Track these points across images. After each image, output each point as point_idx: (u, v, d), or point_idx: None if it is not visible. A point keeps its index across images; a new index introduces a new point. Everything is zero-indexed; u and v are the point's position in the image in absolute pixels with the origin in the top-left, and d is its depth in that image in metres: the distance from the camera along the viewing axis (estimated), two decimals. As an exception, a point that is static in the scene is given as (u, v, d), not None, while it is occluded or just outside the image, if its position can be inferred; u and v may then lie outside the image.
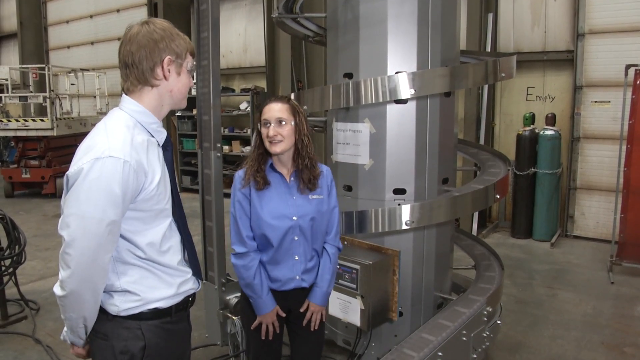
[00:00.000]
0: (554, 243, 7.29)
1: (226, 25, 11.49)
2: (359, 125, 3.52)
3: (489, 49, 7.84)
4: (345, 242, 3.51)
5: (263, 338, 2.59)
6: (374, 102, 3.32)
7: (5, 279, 4.78)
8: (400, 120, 3.44)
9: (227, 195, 3.62)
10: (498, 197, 3.59)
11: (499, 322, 3.57)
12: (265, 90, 10.10)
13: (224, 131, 10.99)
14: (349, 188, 3.68)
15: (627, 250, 5.94)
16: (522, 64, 6.72)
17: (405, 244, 3.52)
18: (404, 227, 3.28)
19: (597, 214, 7.52)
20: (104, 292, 1.80)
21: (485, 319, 3.29)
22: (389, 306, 3.37)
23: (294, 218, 2.48)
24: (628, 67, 5.86)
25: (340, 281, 3.30)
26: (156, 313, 1.87)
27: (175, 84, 1.88)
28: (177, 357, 1.99)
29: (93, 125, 12.08)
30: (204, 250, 3.71)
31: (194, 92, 3.70)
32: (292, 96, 3.85)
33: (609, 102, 7.21)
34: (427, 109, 3.46)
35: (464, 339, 3.07)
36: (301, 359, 2.72)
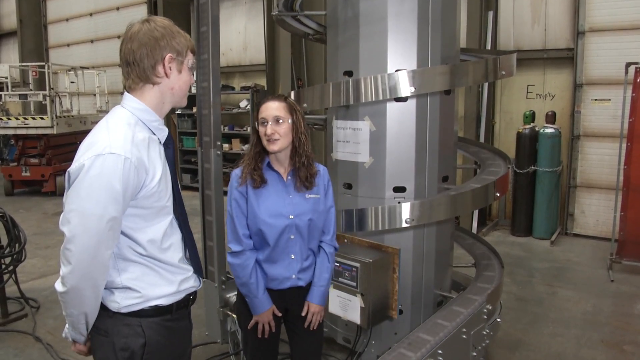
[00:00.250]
0: (554, 241, 7.29)
1: (226, 23, 11.48)
2: (359, 123, 3.52)
3: (489, 47, 7.84)
4: (345, 240, 3.51)
5: (259, 337, 2.59)
6: (374, 100, 3.31)
7: (6, 277, 4.79)
8: (401, 118, 3.44)
9: (226, 194, 3.63)
10: (498, 195, 3.58)
11: (498, 320, 3.57)
12: (265, 88, 10.10)
13: (224, 129, 10.99)
14: (349, 186, 3.67)
15: (627, 248, 5.94)
16: (522, 61, 6.71)
17: (405, 242, 3.52)
18: (404, 225, 3.28)
19: (597, 212, 7.52)
20: (104, 288, 1.81)
21: (485, 316, 3.29)
22: (389, 304, 3.37)
23: (291, 217, 2.48)
24: (628, 65, 5.86)
25: (341, 279, 3.30)
26: (157, 310, 1.88)
27: (176, 81, 1.88)
28: (177, 355, 1.99)
29: (93, 123, 12.09)
30: (204, 245, 3.72)
31: (194, 90, 3.69)
32: (292, 94, 3.86)
33: (609, 100, 7.21)
34: (427, 107, 3.46)
35: (464, 336, 3.07)
36: (302, 358, 2.72)
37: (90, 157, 1.68)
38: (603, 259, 6.43)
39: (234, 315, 3.56)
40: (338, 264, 3.26)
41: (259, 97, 10.32)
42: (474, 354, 3.19)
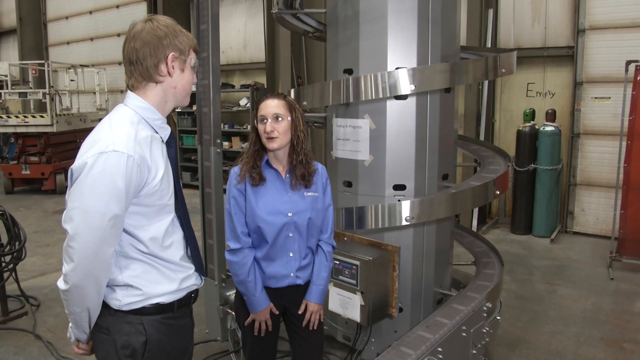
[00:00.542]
0: (554, 239, 7.30)
1: (226, 21, 11.47)
2: (359, 121, 3.52)
3: (489, 45, 7.83)
4: (345, 238, 3.52)
5: (256, 334, 2.60)
6: (374, 98, 3.31)
7: (6, 275, 4.78)
8: (401, 116, 3.44)
9: (226, 192, 3.63)
10: (498, 193, 3.58)
11: (498, 317, 3.57)
12: (265, 87, 10.09)
13: (223, 127, 10.99)
14: (348, 184, 3.68)
15: (627, 246, 5.94)
16: (522, 59, 6.71)
17: (405, 239, 3.52)
18: (404, 223, 3.28)
19: (597, 210, 7.52)
20: (106, 286, 1.81)
21: (485, 314, 3.30)
22: (388, 302, 3.37)
23: (289, 214, 2.49)
24: (628, 63, 5.85)
25: (340, 277, 3.30)
26: (158, 308, 1.88)
27: (179, 80, 1.90)
28: (179, 353, 1.99)
29: (93, 121, 12.07)
30: (204, 243, 3.72)
31: (194, 88, 3.69)
32: (292, 92, 3.85)
33: (609, 98, 7.20)
34: (427, 105, 3.46)
35: (464, 334, 3.08)
36: (303, 358, 2.72)
37: (93, 155, 1.69)
38: (603, 257, 6.44)
39: (234, 313, 3.57)
40: (338, 262, 3.26)
41: (258, 95, 10.31)
42: (474, 351, 3.19)
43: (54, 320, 4.76)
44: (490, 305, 3.35)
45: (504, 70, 3.54)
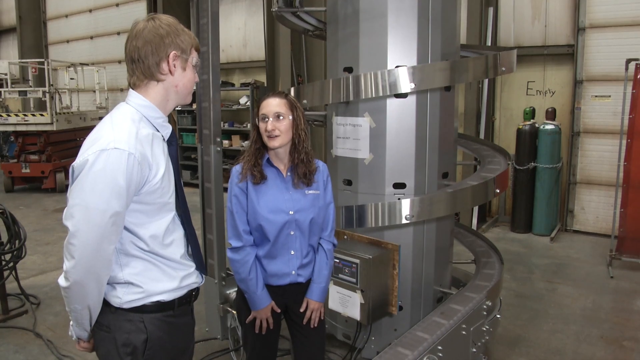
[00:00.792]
0: (554, 237, 7.30)
1: (226, 20, 11.46)
2: (359, 120, 3.52)
3: (489, 43, 7.83)
4: (345, 237, 3.52)
5: (257, 332, 2.61)
6: (374, 96, 3.31)
7: (6, 273, 4.79)
8: (400, 115, 3.44)
9: (226, 190, 3.63)
10: (498, 191, 3.58)
11: (498, 316, 3.57)
12: (265, 85, 10.08)
13: (223, 125, 10.98)
14: (348, 182, 3.67)
15: (627, 244, 5.95)
16: (522, 58, 6.71)
17: (405, 238, 3.52)
18: (404, 221, 3.28)
19: (596, 209, 7.53)
20: (107, 284, 1.82)
21: (485, 313, 3.30)
22: (388, 300, 3.37)
23: (290, 212, 2.50)
24: (628, 61, 5.85)
25: (340, 275, 3.30)
26: (159, 306, 1.88)
27: (180, 79, 1.90)
28: (180, 351, 2.00)
29: (93, 119, 12.07)
30: (204, 238, 3.72)
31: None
32: (292, 90, 3.85)
33: (609, 96, 7.20)
34: (427, 103, 3.45)
35: (464, 333, 3.08)
36: (305, 356, 2.72)
37: (95, 152, 1.70)
38: (603, 256, 6.44)
39: (234, 312, 3.57)
40: (338, 260, 3.26)
41: (258, 93, 10.31)
42: (474, 350, 3.19)
43: (54, 319, 4.77)
44: (490, 304, 3.35)
45: (504, 69, 3.54)
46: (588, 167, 7.54)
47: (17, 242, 4.68)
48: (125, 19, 13.46)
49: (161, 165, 1.84)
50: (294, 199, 2.52)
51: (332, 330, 3.91)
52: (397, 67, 3.32)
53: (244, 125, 11.22)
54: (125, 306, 1.84)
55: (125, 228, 1.80)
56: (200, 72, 3.56)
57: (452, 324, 3.00)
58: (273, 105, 2.47)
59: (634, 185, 5.85)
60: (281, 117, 2.46)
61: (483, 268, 3.82)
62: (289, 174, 2.56)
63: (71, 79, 12.41)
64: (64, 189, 10.73)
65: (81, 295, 1.76)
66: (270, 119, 2.45)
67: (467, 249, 4.39)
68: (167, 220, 1.89)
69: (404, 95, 3.40)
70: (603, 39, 7.19)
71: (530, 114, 7.52)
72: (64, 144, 11.45)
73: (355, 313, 3.29)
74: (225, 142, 10.82)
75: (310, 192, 2.55)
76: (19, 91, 11.77)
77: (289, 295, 2.62)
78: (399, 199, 3.37)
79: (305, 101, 3.60)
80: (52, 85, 10.84)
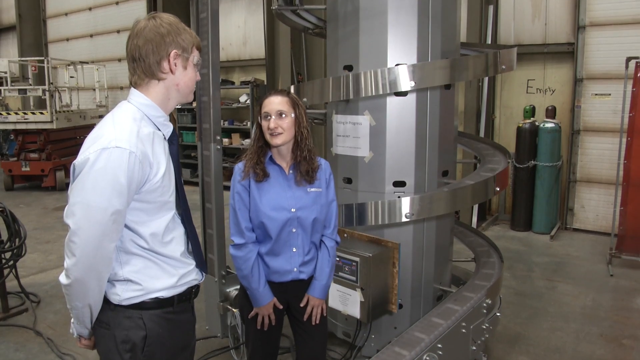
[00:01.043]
0: (554, 236, 7.30)
1: (226, 18, 11.46)
2: (359, 118, 3.52)
3: (489, 41, 7.82)
4: (345, 235, 3.52)
5: (259, 328, 2.62)
6: (374, 94, 3.31)
7: (6, 271, 4.79)
8: (400, 113, 3.44)
9: (226, 188, 3.63)
10: (498, 189, 3.59)
11: (498, 314, 3.58)
12: (265, 83, 10.08)
13: (223, 124, 10.97)
14: (348, 180, 3.68)
15: (627, 242, 5.95)
16: (522, 56, 6.70)
17: (405, 236, 3.52)
18: (404, 219, 3.28)
19: (596, 207, 7.53)
20: (107, 281, 1.82)
21: (484, 311, 3.30)
22: (388, 298, 3.38)
23: (292, 210, 2.51)
24: (629, 59, 5.85)
25: (340, 273, 3.30)
26: (158, 303, 1.89)
27: (181, 77, 1.91)
28: (180, 348, 2.00)
29: (92, 118, 12.06)
30: (204, 233, 3.73)
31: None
32: (292, 89, 3.85)
33: (610, 94, 7.20)
34: (427, 102, 3.45)
35: (464, 331, 3.08)
36: (307, 354, 2.73)
37: (96, 151, 1.70)
38: (602, 254, 6.45)
39: (234, 310, 3.57)
40: (338, 259, 3.26)
41: (258, 91, 10.30)
42: (474, 348, 3.20)
43: (54, 317, 4.77)
44: (490, 302, 3.35)
45: (504, 67, 3.54)
46: (588, 165, 7.54)
47: (17, 240, 4.68)
48: (125, 17, 13.45)
49: (162, 164, 1.84)
50: (296, 196, 2.53)
51: (332, 328, 3.91)
52: (397, 65, 3.32)
53: (244, 123, 11.22)
54: (124, 303, 1.85)
55: (126, 226, 1.80)
56: (199, 68, 3.56)
57: (451, 323, 3.00)
58: (275, 103, 2.48)
59: (634, 184, 5.85)
60: (283, 115, 2.47)
61: (483, 267, 3.83)
62: (291, 171, 2.57)
63: (71, 77, 12.41)
64: (64, 187, 10.74)
65: (82, 293, 1.77)
66: (273, 117, 2.46)
67: (467, 247, 4.39)
68: (167, 218, 1.90)
69: (404, 94, 3.40)
70: (603, 37, 7.18)
71: (530, 112, 7.52)
72: (64, 142, 11.44)
73: (355, 311, 3.29)
74: (225, 140, 10.82)
75: (313, 189, 2.56)
76: (19, 89, 11.75)
77: (291, 292, 2.63)
78: (399, 197, 3.37)
79: (305, 99, 3.60)
80: (52, 83, 10.83)
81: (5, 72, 11.70)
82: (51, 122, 10.65)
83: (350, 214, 3.39)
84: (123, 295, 1.84)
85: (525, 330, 4.45)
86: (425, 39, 3.39)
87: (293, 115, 2.49)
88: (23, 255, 4.78)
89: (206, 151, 3.63)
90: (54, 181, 10.97)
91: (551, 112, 7.37)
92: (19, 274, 4.93)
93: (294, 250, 2.55)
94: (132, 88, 1.90)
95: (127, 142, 1.72)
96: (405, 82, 3.23)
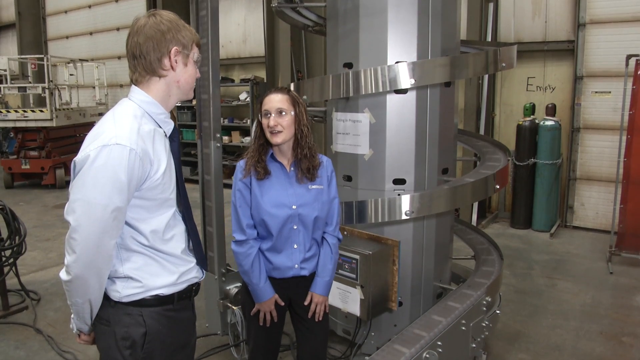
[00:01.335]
0: (554, 233, 7.31)
1: (225, 16, 11.44)
2: (359, 115, 3.51)
3: (489, 39, 7.81)
4: (345, 232, 3.52)
5: (261, 324, 2.63)
6: (373, 92, 3.31)
7: (6, 269, 4.79)
8: (400, 110, 3.44)
9: (227, 186, 3.63)
10: (498, 187, 3.58)
11: (498, 311, 3.58)
12: (265, 81, 10.07)
13: (223, 121, 10.97)
14: (348, 178, 3.67)
15: (627, 240, 5.95)
16: (522, 54, 6.70)
17: (405, 234, 3.52)
18: (404, 217, 3.28)
19: (596, 205, 7.53)
20: (107, 278, 1.82)
21: (484, 308, 3.30)
22: (388, 296, 3.38)
23: (293, 207, 2.52)
24: (629, 57, 5.84)
25: (340, 271, 3.31)
26: (158, 300, 1.89)
27: (182, 74, 1.91)
28: (180, 345, 2.00)
29: (92, 115, 12.03)
30: (204, 231, 3.73)
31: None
32: (292, 86, 3.84)
33: (610, 92, 7.19)
34: (427, 99, 3.45)
35: (463, 328, 3.08)
36: (308, 350, 2.74)
37: (96, 148, 1.70)
38: (602, 252, 6.45)
39: (234, 308, 3.57)
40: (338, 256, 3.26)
41: (258, 89, 10.30)
42: (473, 345, 3.20)
43: (55, 315, 4.77)
44: (489, 299, 3.35)
45: (504, 64, 3.54)
46: (588, 163, 7.54)
47: (17, 238, 4.68)
48: (124, 15, 13.44)
49: (162, 161, 1.84)
50: (297, 193, 2.54)
51: (332, 326, 3.91)
52: (397, 62, 3.32)
53: (244, 121, 11.21)
54: (125, 300, 1.85)
55: (126, 223, 1.81)
56: (199, 65, 3.56)
57: (451, 320, 3.00)
58: (275, 101, 2.49)
59: (634, 181, 5.84)
60: (283, 113, 2.47)
61: (483, 264, 3.83)
62: (292, 168, 2.58)
63: (70, 74, 12.39)
64: (63, 185, 10.74)
65: (82, 289, 1.77)
66: (273, 114, 2.47)
67: (467, 245, 4.40)
68: (167, 215, 1.90)
69: (404, 91, 3.39)
70: (603, 34, 7.17)
71: (530, 109, 7.52)
72: (64, 140, 11.43)
73: (355, 309, 3.29)
74: (225, 138, 10.81)
75: (314, 186, 2.57)
76: (19, 87, 11.75)
77: (293, 289, 2.64)
78: (398, 194, 3.37)
79: (305, 97, 3.59)
80: (51, 81, 10.81)
81: (5, 70, 11.68)
82: (51, 119, 10.64)
83: (350, 211, 3.39)
84: (123, 292, 1.84)
85: (525, 327, 4.46)
86: (425, 37, 3.38)
87: (293, 113, 2.50)
88: (23, 253, 4.78)
89: (206, 149, 3.63)
90: (54, 179, 10.96)
91: (551, 110, 7.36)
92: (19, 272, 4.93)
93: (295, 246, 2.56)
94: (133, 85, 1.90)
95: (127, 139, 1.72)
96: (405, 80, 3.22)
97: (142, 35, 1.82)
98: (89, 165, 1.69)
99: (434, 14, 3.38)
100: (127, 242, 1.83)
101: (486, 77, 7.78)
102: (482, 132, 7.80)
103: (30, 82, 12.69)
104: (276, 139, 2.47)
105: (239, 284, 3.66)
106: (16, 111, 10.88)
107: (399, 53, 3.37)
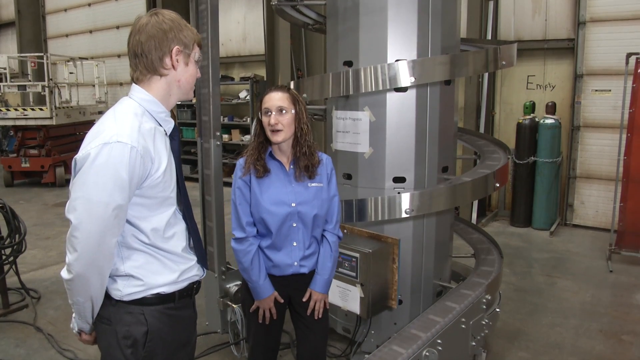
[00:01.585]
0: (553, 232, 7.31)
1: (225, 14, 11.43)
2: (359, 114, 3.51)
3: (489, 37, 7.81)
4: (345, 231, 3.52)
5: (260, 322, 2.64)
6: (373, 90, 3.31)
7: (6, 267, 4.79)
8: (400, 109, 3.44)
9: (226, 184, 3.63)
10: (498, 185, 3.59)
11: (498, 310, 3.58)
12: (265, 79, 10.07)
13: (223, 120, 10.97)
14: (348, 176, 3.68)
15: (626, 239, 5.95)
16: (522, 52, 6.69)
17: (405, 232, 3.53)
18: (404, 215, 3.28)
19: (596, 203, 7.53)
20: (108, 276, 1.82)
21: (484, 307, 3.31)
22: (388, 294, 3.38)
23: (293, 205, 2.52)
24: (629, 55, 5.84)
25: (340, 269, 3.31)
26: (159, 298, 1.89)
27: (183, 73, 1.92)
28: (181, 344, 2.00)
29: (92, 114, 12.03)
30: (204, 226, 3.73)
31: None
32: (292, 85, 3.84)
33: (610, 90, 7.19)
34: (427, 97, 3.45)
35: (463, 326, 3.09)
36: (307, 347, 2.74)
37: (97, 146, 1.70)
38: (602, 250, 6.45)
39: (234, 306, 3.58)
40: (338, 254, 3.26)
41: (258, 87, 10.29)
42: (473, 343, 3.20)
43: (55, 313, 4.78)
44: (489, 298, 3.36)
45: (504, 63, 3.54)
46: (588, 161, 7.54)
47: (17, 236, 4.68)
48: (124, 13, 13.42)
49: (163, 160, 1.85)
50: (297, 191, 2.54)
51: (332, 324, 3.91)
52: (397, 60, 3.32)
53: (244, 119, 11.21)
54: (126, 299, 1.85)
55: (127, 221, 1.81)
56: (200, 65, 3.55)
57: (450, 319, 3.00)
58: (275, 99, 2.49)
59: (634, 180, 5.85)
60: (283, 111, 2.48)
61: (482, 263, 3.83)
62: (291, 167, 2.58)
63: (70, 73, 12.39)
64: (63, 184, 10.73)
65: (84, 288, 1.77)
66: (273, 112, 2.47)
67: (466, 243, 4.40)
68: (168, 214, 1.90)
69: (404, 89, 3.39)
70: (603, 33, 7.17)
71: (530, 108, 7.52)
72: (64, 138, 11.43)
73: (355, 307, 3.30)
74: (225, 136, 10.81)
75: (313, 184, 2.58)
76: (18, 85, 11.74)
77: (292, 286, 2.65)
78: (398, 193, 3.37)
79: (305, 95, 3.59)
80: (51, 79, 10.80)
81: (5, 68, 11.68)
82: (51, 118, 10.63)
83: (350, 209, 3.40)
84: (124, 290, 1.84)
85: (524, 325, 4.46)
86: (425, 35, 3.38)
87: (293, 111, 2.50)
88: (23, 252, 4.78)
89: (206, 144, 3.63)
90: (54, 177, 10.96)
91: (551, 108, 7.36)
92: (19, 270, 4.93)
93: (295, 244, 2.57)
94: (134, 84, 1.91)
95: (128, 137, 1.72)
96: (405, 78, 3.22)
97: (144, 34, 1.83)
98: (90, 163, 1.69)
99: (434, 12, 3.38)
100: (128, 240, 1.83)
101: (486, 75, 7.78)
102: (482, 130, 7.80)
103: (30, 81, 12.69)
104: (276, 138, 2.48)
105: (239, 282, 3.66)
106: (16, 109, 10.88)
107: (399, 51, 3.37)
